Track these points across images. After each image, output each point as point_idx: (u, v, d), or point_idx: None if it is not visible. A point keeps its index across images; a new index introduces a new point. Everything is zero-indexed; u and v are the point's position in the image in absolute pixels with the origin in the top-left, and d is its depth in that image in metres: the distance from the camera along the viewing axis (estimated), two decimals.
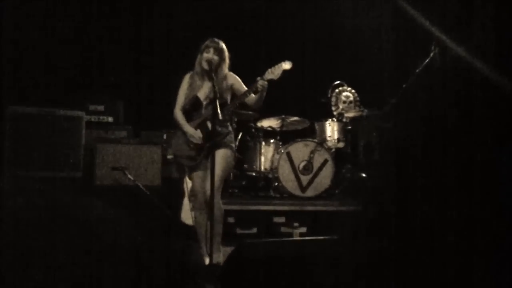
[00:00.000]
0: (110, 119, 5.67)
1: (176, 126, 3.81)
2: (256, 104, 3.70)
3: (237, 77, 3.81)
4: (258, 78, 3.52)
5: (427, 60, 5.22)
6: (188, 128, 3.71)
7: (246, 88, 3.71)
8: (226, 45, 3.78)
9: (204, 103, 3.73)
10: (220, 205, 3.70)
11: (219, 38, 3.78)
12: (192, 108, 3.76)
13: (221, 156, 3.64)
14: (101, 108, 5.63)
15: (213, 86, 3.30)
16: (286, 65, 3.54)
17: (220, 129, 3.62)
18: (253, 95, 3.65)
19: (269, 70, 3.54)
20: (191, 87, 3.78)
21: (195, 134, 3.68)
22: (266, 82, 3.51)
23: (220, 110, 3.24)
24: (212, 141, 3.44)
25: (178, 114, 3.77)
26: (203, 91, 3.75)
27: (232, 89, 3.77)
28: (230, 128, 3.82)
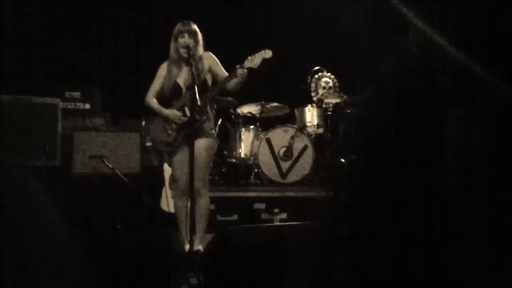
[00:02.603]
0: (87, 106, 5.56)
1: (152, 112, 3.76)
2: (234, 89, 3.66)
3: (214, 56, 3.72)
4: (237, 66, 3.48)
5: (405, 46, 5.25)
6: (165, 110, 3.66)
7: (223, 69, 3.67)
8: (204, 32, 3.72)
9: (184, 89, 3.68)
10: (207, 196, 3.68)
11: (198, 23, 3.71)
12: (173, 95, 3.71)
13: (203, 148, 3.59)
14: (77, 95, 5.51)
15: (192, 72, 3.26)
16: (266, 54, 3.52)
17: (197, 116, 3.58)
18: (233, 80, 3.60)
19: (249, 58, 3.51)
20: (169, 75, 3.70)
21: (173, 113, 3.63)
22: (245, 71, 3.47)
23: (199, 95, 3.20)
24: (190, 127, 3.40)
25: (151, 100, 3.71)
26: (182, 77, 3.70)
27: (210, 71, 3.70)
28: (210, 114, 3.75)
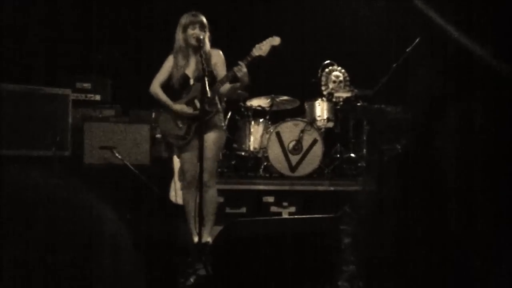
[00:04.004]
0: (98, 97, 5.58)
1: (160, 103, 3.73)
2: (228, 93, 3.63)
3: (221, 55, 3.66)
4: (234, 67, 3.41)
5: (418, 39, 5.19)
6: (174, 105, 3.61)
7: (224, 72, 3.60)
8: (212, 22, 3.68)
9: (192, 80, 3.64)
10: (214, 188, 3.67)
11: (205, 14, 3.65)
12: (181, 87, 3.67)
13: (212, 141, 3.55)
14: (88, 86, 5.53)
15: (202, 63, 3.24)
16: (275, 41, 3.46)
17: (208, 108, 3.56)
18: (228, 84, 3.56)
19: (257, 46, 3.45)
20: (177, 66, 3.64)
21: (182, 109, 3.60)
22: (243, 68, 3.37)
23: (209, 87, 3.18)
24: (201, 120, 3.37)
25: (157, 89, 3.63)
26: (191, 68, 3.65)
27: (214, 68, 3.60)
28: (219, 106, 3.71)
